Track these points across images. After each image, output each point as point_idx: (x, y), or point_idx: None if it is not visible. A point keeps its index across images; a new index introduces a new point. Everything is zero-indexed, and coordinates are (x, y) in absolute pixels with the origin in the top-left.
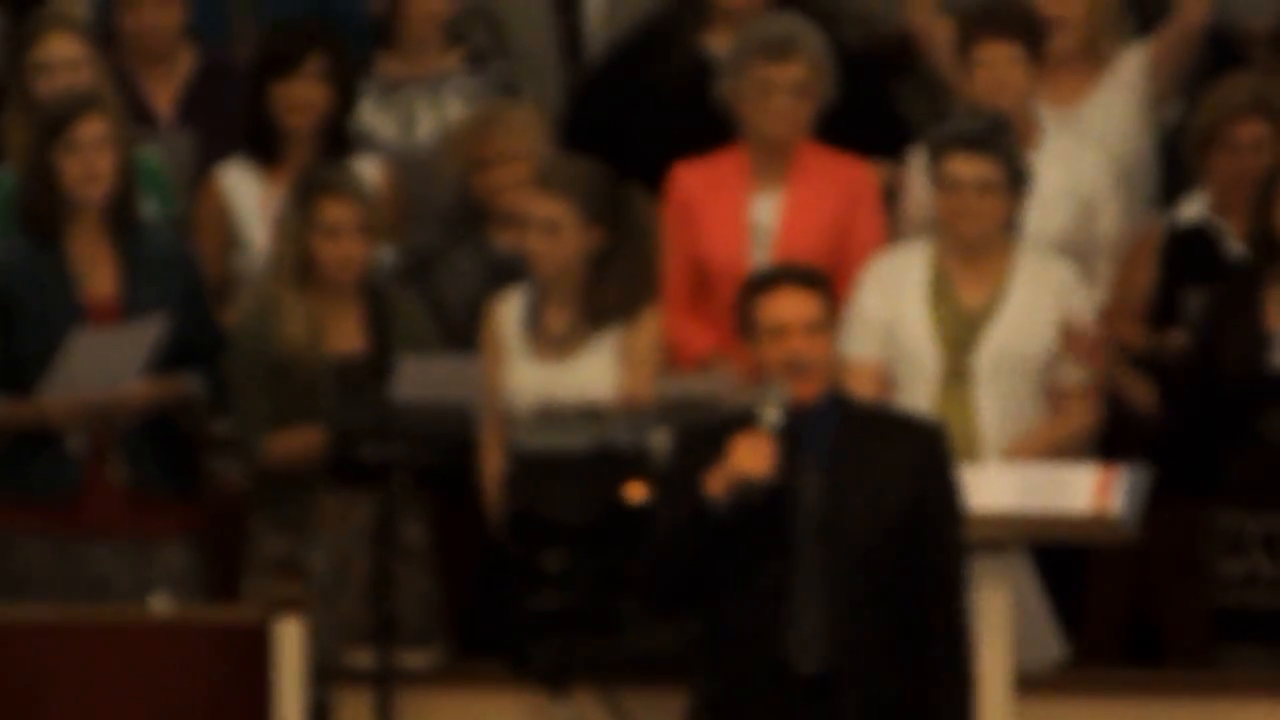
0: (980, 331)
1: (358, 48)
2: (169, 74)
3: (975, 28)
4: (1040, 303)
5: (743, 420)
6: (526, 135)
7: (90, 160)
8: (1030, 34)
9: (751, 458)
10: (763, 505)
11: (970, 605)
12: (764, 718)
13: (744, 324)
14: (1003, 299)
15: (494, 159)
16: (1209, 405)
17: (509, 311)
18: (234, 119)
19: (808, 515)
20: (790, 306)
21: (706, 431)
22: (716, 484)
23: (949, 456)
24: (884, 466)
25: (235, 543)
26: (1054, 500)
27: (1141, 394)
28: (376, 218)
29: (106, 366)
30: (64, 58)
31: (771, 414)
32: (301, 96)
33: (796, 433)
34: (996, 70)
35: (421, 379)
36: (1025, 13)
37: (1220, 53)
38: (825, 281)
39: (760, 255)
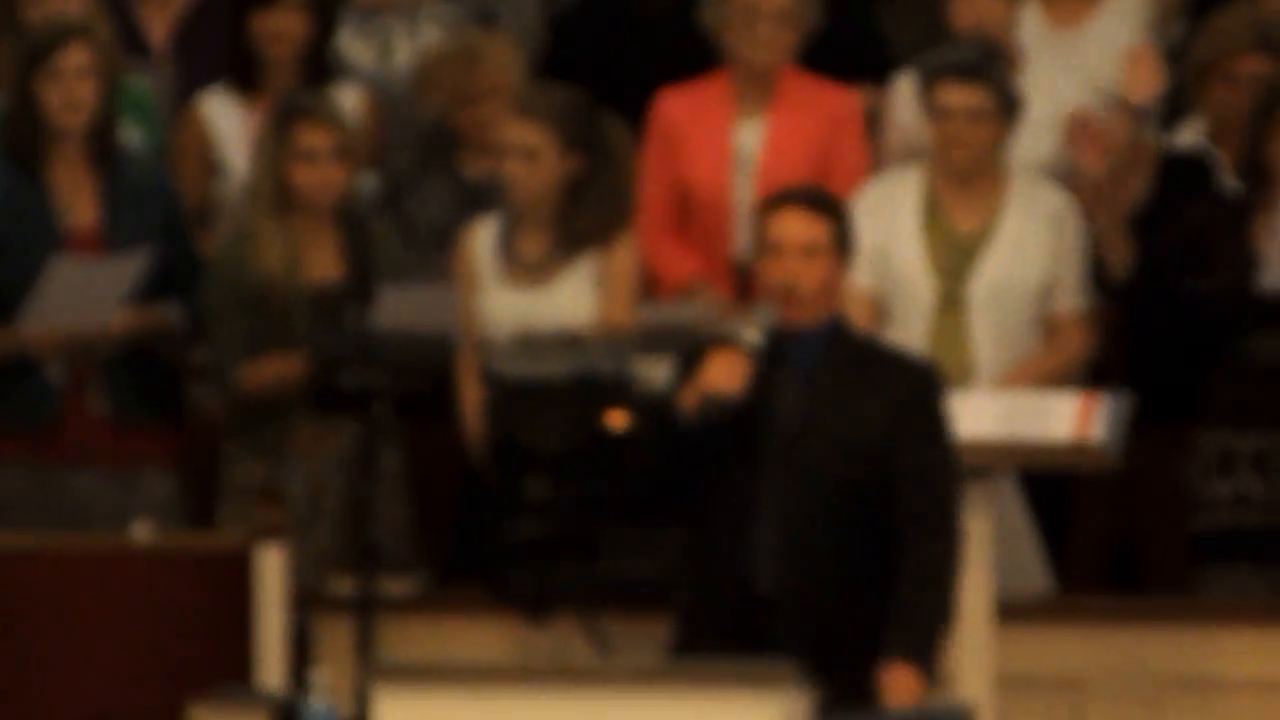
0: (974, 258)
1: None
2: (165, 4)
3: None
4: (1034, 230)
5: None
6: (505, 71)
7: (72, 88)
8: None
9: (724, 375)
10: (728, 423)
11: (958, 545)
12: (728, 636)
13: (759, 243)
14: (996, 226)
15: (474, 96)
16: (1193, 326)
17: (482, 239)
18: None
19: (779, 435)
20: (790, 227)
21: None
22: (688, 398)
23: (937, 395)
24: (865, 397)
25: (215, 470)
26: (1036, 427)
27: (1119, 253)
28: (354, 144)
29: (87, 297)
30: None
31: (751, 334)
32: (281, 26)
33: (784, 353)
34: (977, 5)
35: (402, 307)
36: None
37: None
38: (834, 206)
39: (743, 182)
